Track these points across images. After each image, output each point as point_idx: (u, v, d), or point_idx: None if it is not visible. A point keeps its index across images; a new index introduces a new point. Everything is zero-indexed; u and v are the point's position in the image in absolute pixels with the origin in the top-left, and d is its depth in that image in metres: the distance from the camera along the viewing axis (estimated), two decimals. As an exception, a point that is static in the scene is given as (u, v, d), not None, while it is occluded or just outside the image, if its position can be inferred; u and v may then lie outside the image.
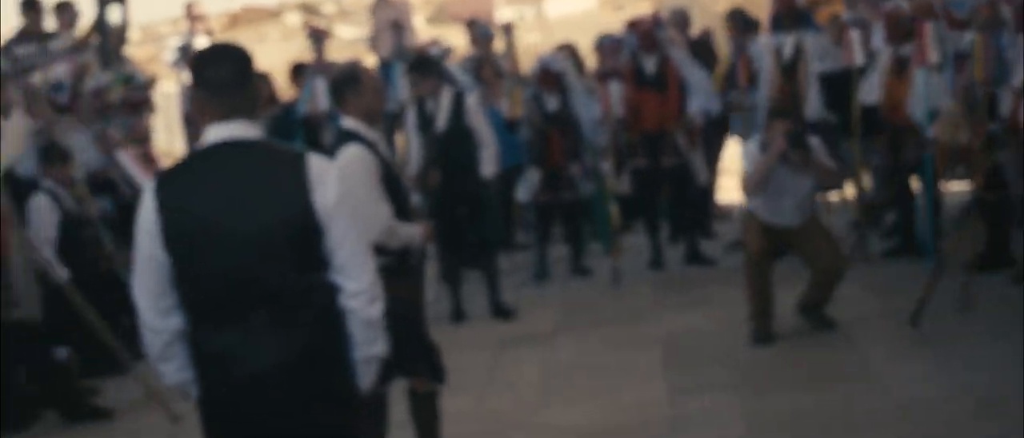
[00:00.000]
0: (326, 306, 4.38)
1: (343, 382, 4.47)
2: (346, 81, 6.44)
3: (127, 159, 9.89)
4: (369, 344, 4.47)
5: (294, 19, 77.80)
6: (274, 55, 33.02)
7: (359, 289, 4.39)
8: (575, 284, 11.79)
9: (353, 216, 4.42)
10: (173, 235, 4.28)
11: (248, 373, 4.31)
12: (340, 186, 4.40)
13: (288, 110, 12.29)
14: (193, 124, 12.10)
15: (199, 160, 4.43)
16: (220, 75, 4.37)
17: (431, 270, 8.95)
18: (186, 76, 12.99)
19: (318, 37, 13.15)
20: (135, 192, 10.30)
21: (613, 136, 11.58)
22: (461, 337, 9.89)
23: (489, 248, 10.63)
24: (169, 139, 13.14)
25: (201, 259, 4.29)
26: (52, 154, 9.03)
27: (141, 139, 10.61)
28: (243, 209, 4.27)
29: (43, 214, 8.92)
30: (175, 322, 4.37)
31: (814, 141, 8.94)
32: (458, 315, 10.59)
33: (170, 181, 4.39)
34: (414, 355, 6.45)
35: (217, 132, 4.37)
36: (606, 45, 11.87)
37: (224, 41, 4.74)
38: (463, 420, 7.61)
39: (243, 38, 34.91)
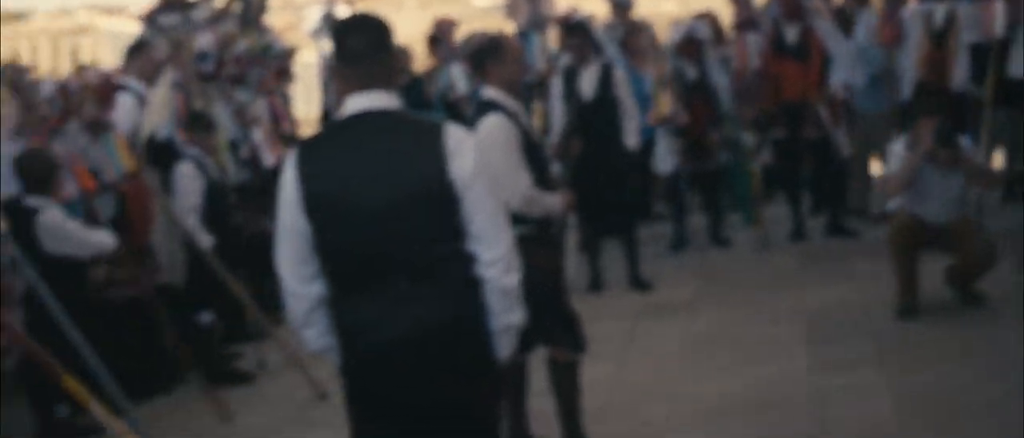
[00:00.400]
0: (464, 275, 4.39)
1: (481, 351, 4.48)
2: (488, 51, 6.42)
3: (260, 136, 9.99)
4: (506, 313, 4.46)
5: (431, -13, 78.48)
6: (411, 24, 33.20)
7: (496, 257, 4.39)
8: (714, 254, 11.70)
9: (491, 185, 4.42)
10: (313, 204, 4.33)
11: (387, 340, 4.34)
12: (477, 155, 4.39)
13: (417, 81, 12.34)
14: (330, 93, 12.17)
15: (338, 130, 4.45)
16: (359, 45, 4.38)
17: (570, 239, 8.91)
18: (325, 45, 13.09)
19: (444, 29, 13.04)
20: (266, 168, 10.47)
21: (747, 91, 11.44)
22: (599, 307, 9.85)
23: (629, 218, 10.59)
24: (308, 108, 13.22)
25: (341, 228, 4.32)
26: (197, 122, 9.14)
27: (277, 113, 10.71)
28: (381, 179, 4.29)
29: (188, 181, 9.02)
30: (317, 289, 4.42)
31: (964, 140, 8.69)
32: (597, 285, 10.57)
33: (311, 151, 4.43)
34: (554, 324, 6.44)
35: (356, 102, 4.39)
36: None
37: (363, 11, 4.74)
38: (602, 390, 7.60)
39: (381, 6, 35.16)
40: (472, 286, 4.41)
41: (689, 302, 9.96)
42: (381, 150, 4.33)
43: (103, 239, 7.98)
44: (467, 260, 4.39)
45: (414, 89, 11.99)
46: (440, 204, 4.32)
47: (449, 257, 4.36)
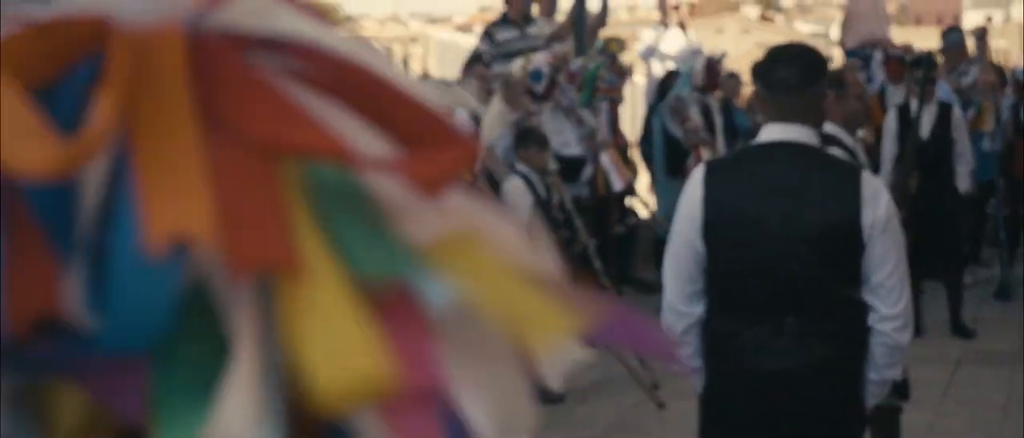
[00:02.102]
0: (853, 322, 4.33)
1: (855, 397, 4.43)
2: (830, 84, 6.38)
3: (609, 161, 10.09)
4: (889, 367, 4.40)
5: (752, 11, 77.97)
6: (734, 49, 33.05)
7: (895, 313, 4.30)
8: (1040, 304, 11.30)
9: (898, 239, 4.36)
10: (714, 225, 4.32)
11: (764, 371, 4.31)
12: (890, 208, 4.34)
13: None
14: (658, 115, 12.22)
15: (751, 156, 4.50)
16: (786, 76, 4.38)
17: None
18: (656, 67, 13.18)
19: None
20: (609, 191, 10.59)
21: None
22: (918, 351, 9.58)
23: (954, 262, 10.34)
24: (633, 130, 13.32)
25: (739, 253, 4.32)
26: (528, 139, 9.30)
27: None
28: (789, 211, 4.28)
29: (517, 197, 9.20)
30: (699, 309, 4.40)
31: None
32: (917, 328, 10.31)
33: (719, 172, 4.46)
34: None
35: (772, 131, 4.40)
36: None
37: (800, 43, 4.75)
38: (918, 437, 7.43)
39: (702, 31, 35.17)
40: (859, 334, 4.35)
41: (1012, 353, 9.64)
42: (792, 183, 4.32)
43: None
44: (858, 307, 4.32)
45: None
46: (844, 248, 4.28)
47: (841, 302, 4.32)
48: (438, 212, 0.89)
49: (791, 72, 4.37)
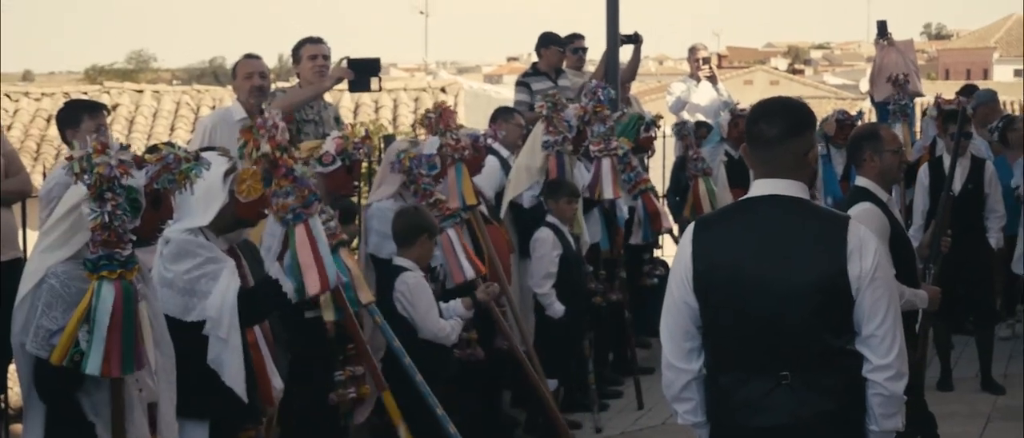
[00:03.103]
0: (848, 374, 4.35)
1: None
2: (866, 138, 6.40)
3: (608, 171, 9.90)
4: (887, 418, 4.40)
5: (781, 63, 78.06)
6: (759, 100, 32.96)
7: (887, 363, 4.33)
8: (1072, 363, 11.20)
9: (889, 288, 4.36)
10: (706, 282, 4.36)
11: (763, 426, 4.33)
12: (880, 258, 4.34)
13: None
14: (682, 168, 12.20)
15: (740, 211, 4.51)
16: (769, 131, 4.40)
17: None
18: (684, 119, 13.16)
19: None
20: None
21: None
22: (947, 407, 9.56)
23: (985, 318, 10.30)
24: (659, 183, 13.30)
25: (732, 309, 4.34)
26: (558, 190, 9.28)
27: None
28: (779, 266, 4.29)
29: (546, 248, 9.20)
30: (697, 365, 4.45)
31: None
32: (946, 383, 10.26)
33: (709, 229, 4.48)
34: (911, 423, 6.31)
35: (759, 187, 4.42)
36: None
37: (782, 96, 4.74)
38: (946, 494, 7.38)
39: (728, 82, 35.14)
40: (855, 386, 4.36)
41: (1043, 409, 9.58)
42: (781, 236, 4.34)
43: (445, 328, 7.67)
44: (853, 358, 4.34)
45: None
46: (834, 300, 4.29)
47: (835, 353, 4.32)
48: None
49: (773, 127, 4.38)
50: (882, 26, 13.53)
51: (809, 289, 4.26)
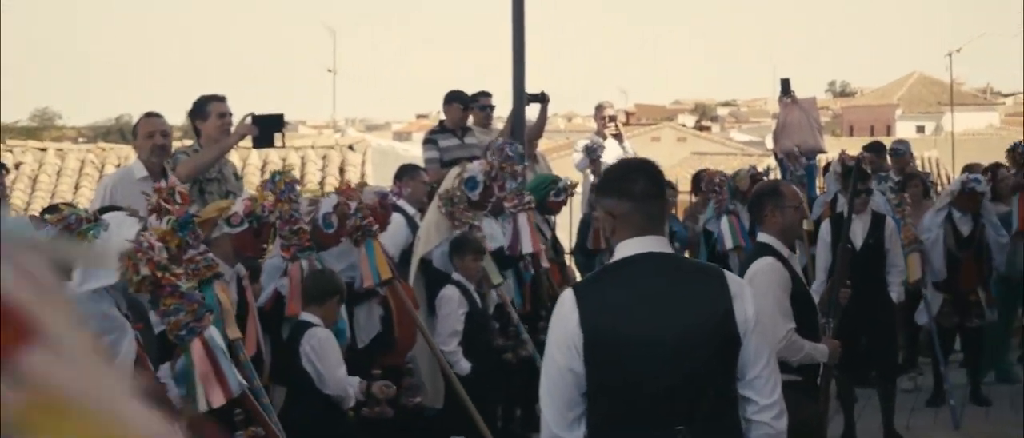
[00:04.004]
0: (734, 420, 4.40)
1: None
2: (767, 195, 6.46)
3: (525, 225, 9.89)
4: None
5: (688, 120, 78.76)
6: (667, 157, 33.35)
7: (771, 403, 4.39)
8: (972, 413, 11.34)
9: (765, 332, 4.46)
10: (595, 347, 4.29)
11: None
12: (756, 302, 4.42)
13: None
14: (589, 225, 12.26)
15: (619, 271, 4.45)
16: (643, 188, 4.41)
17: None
18: (590, 177, 13.23)
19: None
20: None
21: None
22: (853, 459, 9.66)
23: (887, 371, 10.42)
24: (568, 239, 13.34)
25: (623, 371, 4.30)
26: (463, 247, 9.29)
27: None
28: (669, 320, 4.30)
29: (452, 305, 9.19)
30: (580, 433, 4.35)
31: None
32: (850, 436, 10.34)
33: (591, 294, 4.42)
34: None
35: (633, 245, 4.39)
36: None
37: (641, 157, 4.78)
38: None
39: (638, 141, 35.46)
40: (738, 430, 4.40)
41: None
42: (666, 291, 4.35)
43: (350, 386, 7.69)
44: (735, 405, 4.39)
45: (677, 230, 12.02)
46: (724, 345, 4.33)
47: (724, 401, 4.37)
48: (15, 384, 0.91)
49: (645, 184, 4.41)
50: (785, 84, 13.74)
51: (701, 338, 4.30)
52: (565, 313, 4.36)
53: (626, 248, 4.41)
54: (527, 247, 9.86)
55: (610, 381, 4.32)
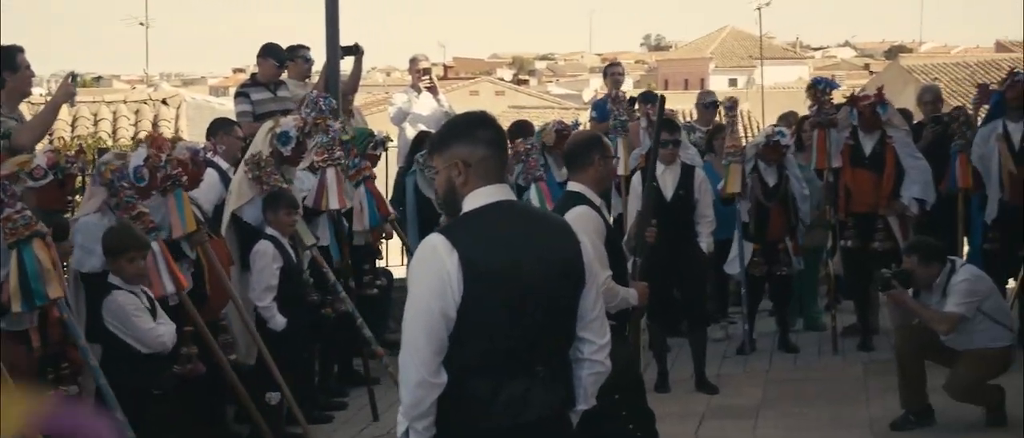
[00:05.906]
0: (568, 360, 4.50)
1: (571, 434, 4.59)
2: (595, 145, 6.55)
3: (333, 178, 9.82)
4: (591, 398, 4.56)
5: (506, 74, 79.06)
6: (485, 109, 33.33)
7: (603, 344, 4.51)
8: (780, 360, 11.64)
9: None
10: (475, 287, 4.25)
11: (528, 421, 4.34)
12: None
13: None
14: (406, 177, 12.24)
15: (482, 217, 4.41)
16: (494, 137, 4.46)
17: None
18: (408, 131, 13.23)
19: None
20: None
21: (827, 189, 11.51)
22: (664, 407, 9.77)
23: (698, 321, 10.63)
24: (385, 193, 13.32)
25: (498, 310, 4.29)
26: (277, 202, 9.21)
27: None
28: (535, 262, 4.35)
29: (266, 260, 9.11)
30: (444, 377, 4.31)
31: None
32: (663, 385, 10.53)
33: (463, 236, 4.35)
34: (631, 421, 6.49)
35: (484, 194, 4.41)
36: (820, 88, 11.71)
37: (475, 110, 4.76)
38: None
39: (456, 94, 35.47)
40: (570, 370, 4.50)
41: (754, 407, 9.93)
42: (526, 235, 4.40)
43: (160, 332, 7.67)
44: (570, 345, 4.50)
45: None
46: (577, 286, 4.44)
47: (569, 342, 4.48)
48: None
49: (497, 132, 4.49)
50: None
51: (562, 279, 4.38)
52: (440, 256, 4.28)
53: (480, 197, 4.41)
54: (334, 202, 9.81)
55: (483, 321, 4.28)
